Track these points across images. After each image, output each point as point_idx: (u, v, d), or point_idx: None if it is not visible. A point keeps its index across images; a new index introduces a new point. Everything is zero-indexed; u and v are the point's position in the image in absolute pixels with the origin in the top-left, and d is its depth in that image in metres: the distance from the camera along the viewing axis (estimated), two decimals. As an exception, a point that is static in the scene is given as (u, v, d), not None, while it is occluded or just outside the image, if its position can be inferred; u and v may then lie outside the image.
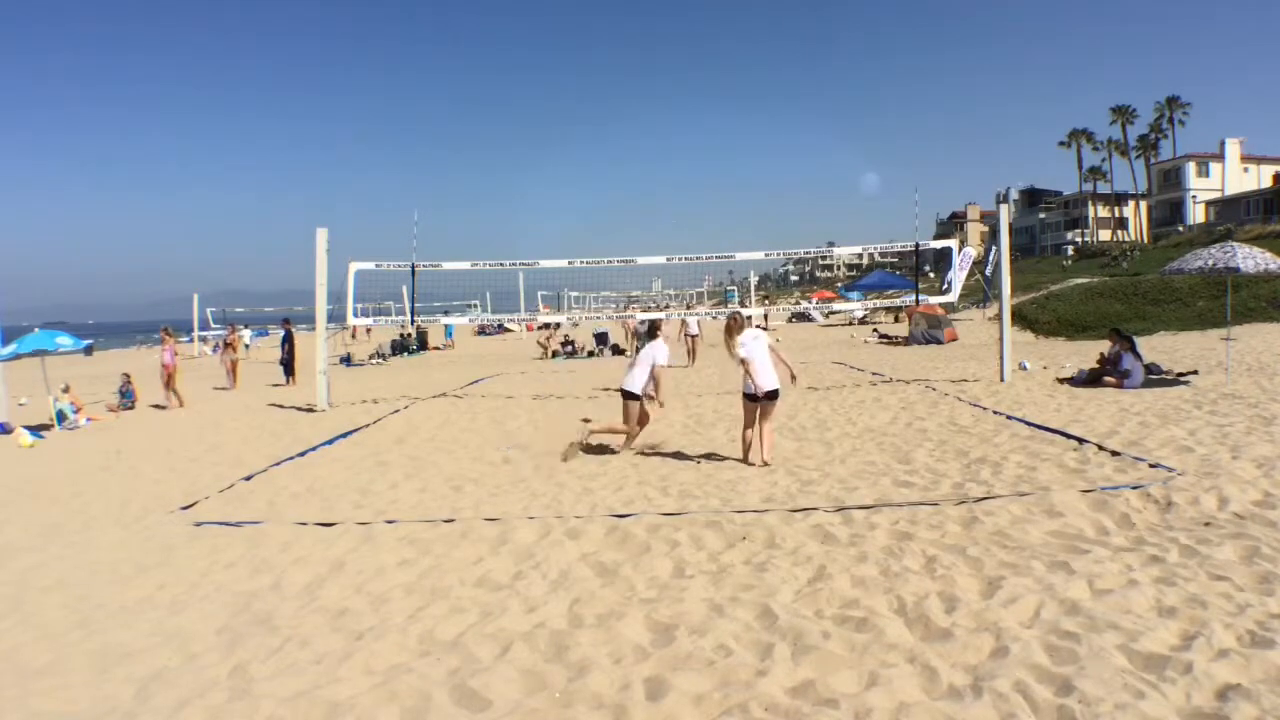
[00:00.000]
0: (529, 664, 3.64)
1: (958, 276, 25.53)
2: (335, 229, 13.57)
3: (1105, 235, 68.83)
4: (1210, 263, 11.84)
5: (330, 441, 10.01)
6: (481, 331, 42.95)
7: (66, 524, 6.54)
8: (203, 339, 38.31)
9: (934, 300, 20.67)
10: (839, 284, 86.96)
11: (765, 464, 7.49)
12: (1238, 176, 61.04)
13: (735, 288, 67.40)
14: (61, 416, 12.68)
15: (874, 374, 15.68)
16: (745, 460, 7.72)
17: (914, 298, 17.18)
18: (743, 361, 7.49)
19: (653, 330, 8.84)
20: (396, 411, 12.64)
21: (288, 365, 18.93)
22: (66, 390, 13.05)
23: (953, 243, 20.43)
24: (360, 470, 8.25)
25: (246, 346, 33.56)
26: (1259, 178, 60.08)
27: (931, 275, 57.09)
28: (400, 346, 30.18)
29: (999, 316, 14.24)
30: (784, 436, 9.18)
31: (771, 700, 3.19)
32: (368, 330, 28.38)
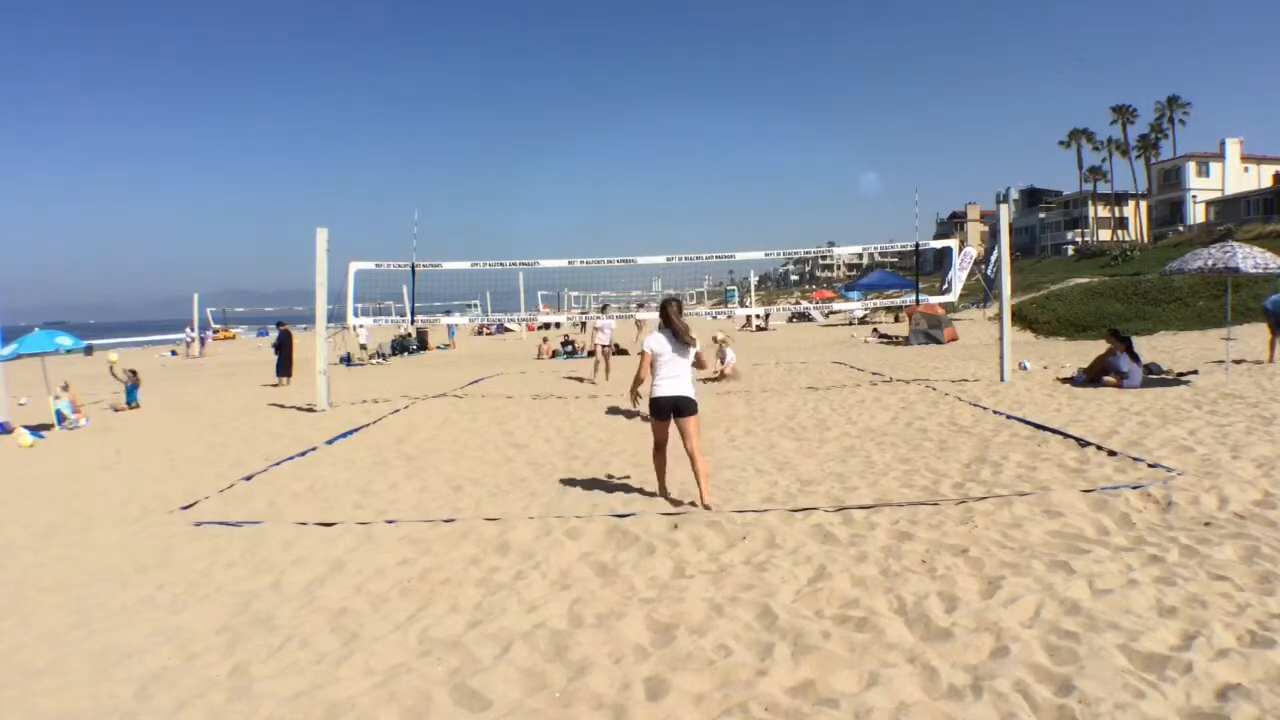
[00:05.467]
0: (529, 664, 3.64)
1: (958, 276, 25.55)
2: (335, 229, 13.59)
3: (1105, 235, 68.87)
4: (1210, 263, 11.84)
5: (330, 441, 10.01)
6: (481, 332, 42.97)
7: (66, 524, 6.53)
8: (203, 339, 40.02)
9: (934, 300, 20.67)
10: (839, 284, 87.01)
11: None
12: (1238, 176, 61.04)
13: (735, 287, 67.38)
14: (61, 416, 12.68)
15: (874, 374, 15.67)
16: None
17: (914, 298, 17.19)
18: None
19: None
20: (396, 411, 12.64)
21: (281, 365, 19.01)
22: (66, 389, 13.04)
23: (953, 243, 20.45)
24: (360, 470, 8.25)
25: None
26: (1259, 178, 60.09)
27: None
28: (400, 346, 30.20)
29: (999, 316, 14.24)
30: (784, 436, 9.19)
31: (771, 700, 3.19)
32: (358, 335, 26.73)
